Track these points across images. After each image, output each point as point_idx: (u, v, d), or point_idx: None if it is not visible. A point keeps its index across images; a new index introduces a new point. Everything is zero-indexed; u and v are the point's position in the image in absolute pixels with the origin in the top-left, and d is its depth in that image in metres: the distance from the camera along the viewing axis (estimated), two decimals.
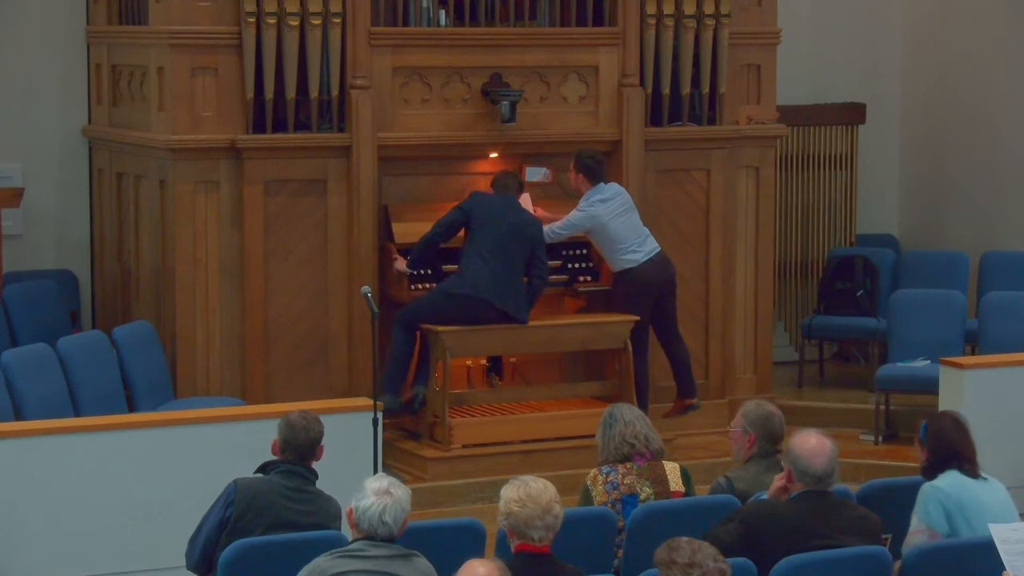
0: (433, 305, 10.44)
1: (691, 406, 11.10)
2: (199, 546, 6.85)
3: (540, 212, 10.99)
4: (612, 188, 10.87)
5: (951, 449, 7.06)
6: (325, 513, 6.88)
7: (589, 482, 7.34)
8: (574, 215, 10.80)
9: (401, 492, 5.94)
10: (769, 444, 7.39)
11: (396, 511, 5.87)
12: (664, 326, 11.01)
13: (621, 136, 11.21)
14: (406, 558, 5.85)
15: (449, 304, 10.38)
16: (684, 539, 5.38)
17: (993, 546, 6.41)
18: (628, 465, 7.34)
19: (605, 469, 7.35)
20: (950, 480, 6.99)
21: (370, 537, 5.85)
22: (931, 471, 7.06)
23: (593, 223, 10.78)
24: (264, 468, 6.97)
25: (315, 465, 7.01)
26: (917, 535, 6.92)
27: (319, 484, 6.99)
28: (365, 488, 5.92)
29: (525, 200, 10.86)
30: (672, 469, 7.41)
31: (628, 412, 7.50)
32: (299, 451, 6.93)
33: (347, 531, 6.19)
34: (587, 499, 7.30)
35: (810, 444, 6.60)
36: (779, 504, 6.66)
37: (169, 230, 10.49)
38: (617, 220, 10.78)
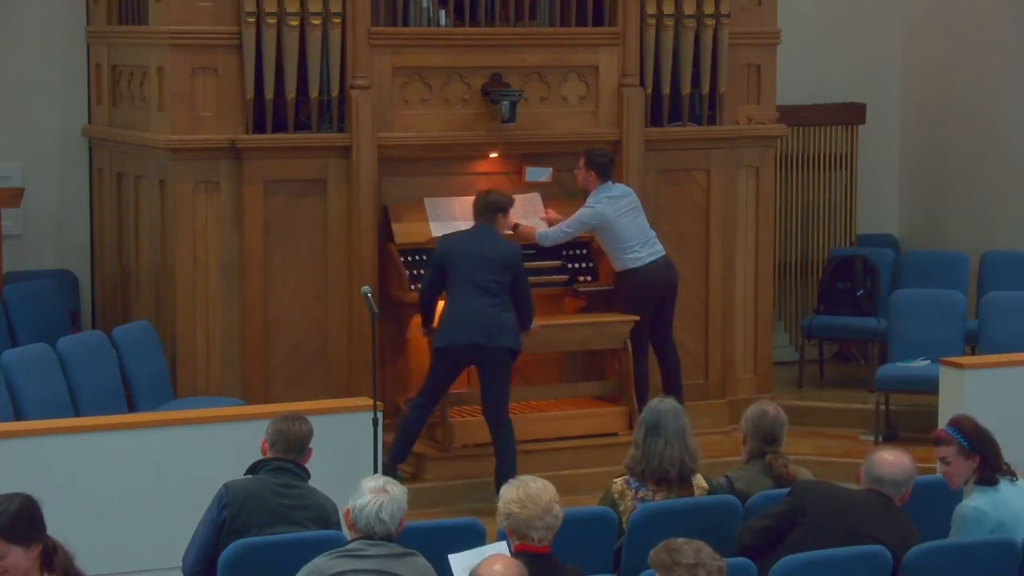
0: (434, 369, 10.18)
1: None
2: (195, 550, 6.84)
3: (551, 213, 11.00)
4: (620, 187, 10.90)
5: (997, 451, 6.95)
6: (319, 507, 6.87)
7: (616, 495, 7.15)
8: (582, 211, 10.81)
9: (397, 490, 5.94)
10: (759, 443, 7.38)
11: (393, 508, 5.86)
12: (660, 330, 11.01)
13: (621, 136, 11.21)
14: (404, 557, 5.85)
15: (441, 361, 10.09)
16: (681, 540, 5.35)
17: (994, 546, 6.43)
18: (660, 484, 7.13)
19: (634, 484, 7.15)
20: (991, 497, 6.86)
21: (368, 536, 5.85)
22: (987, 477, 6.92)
23: (601, 220, 10.78)
24: (254, 468, 6.96)
25: (312, 466, 7.00)
26: None
27: (316, 485, 6.98)
28: (362, 487, 5.93)
29: (504, 218, 10.75)
30: (699, 487, 7.21)
31: (673, 422, 7.18)
32: (289, 445, 6.91)
33: (346, 532, 6.18)
34: (612, 508, 7.10)
35: (891, 458, 6.71)
36: (835, 485, 6.84)
37: (169, 230, 10.48)
38: (624, 219, 10.79)
